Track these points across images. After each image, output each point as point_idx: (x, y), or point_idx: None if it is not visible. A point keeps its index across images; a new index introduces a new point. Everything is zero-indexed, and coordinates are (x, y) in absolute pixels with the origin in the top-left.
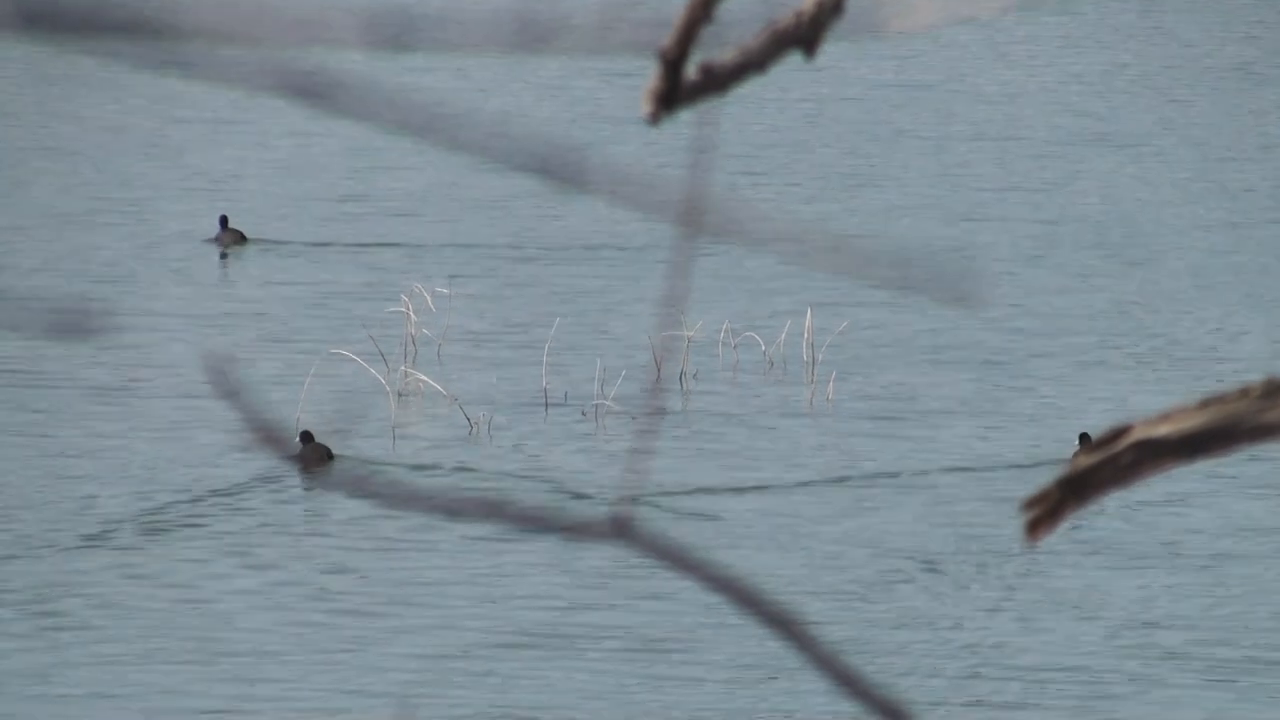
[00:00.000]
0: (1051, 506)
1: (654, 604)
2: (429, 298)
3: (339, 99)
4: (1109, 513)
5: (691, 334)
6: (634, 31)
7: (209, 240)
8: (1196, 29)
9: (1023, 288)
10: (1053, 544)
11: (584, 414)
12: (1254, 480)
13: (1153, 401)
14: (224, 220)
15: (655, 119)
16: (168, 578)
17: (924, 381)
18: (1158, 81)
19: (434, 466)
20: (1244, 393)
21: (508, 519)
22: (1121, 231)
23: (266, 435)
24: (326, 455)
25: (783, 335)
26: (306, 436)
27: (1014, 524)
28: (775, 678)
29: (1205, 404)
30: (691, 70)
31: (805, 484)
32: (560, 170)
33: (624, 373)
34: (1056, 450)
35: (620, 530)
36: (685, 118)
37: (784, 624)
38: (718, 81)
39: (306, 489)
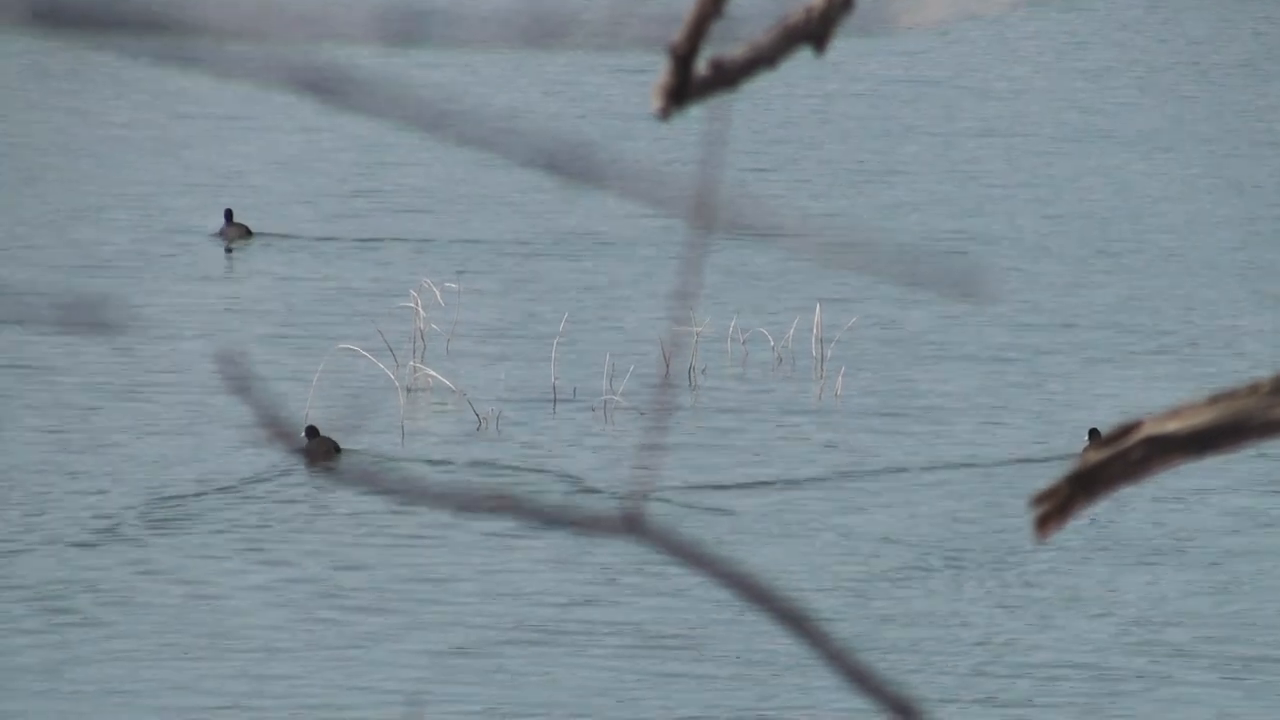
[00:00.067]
0: (1061, 502)
1: (664, 600)
2: (438, 293)
3: (349, 94)
4: (1119, 509)
5: (700, 329)
6: (644, 27)
7: (213, 235)
8: (1204, 25)
9: (1031, 283)
10: (1062, 540)
11: (593, 409)
12: (1264, 476)
13: (1162, 397)
14: (229, 214)
15: (665, 114)
16: (176, 573)
17: (933, 377)
18: (1165, 77)
19: (443, 462)
20: (1254, 389)
21: (517, 514)
22: (1129, 227)
23: (273, 430)
24: (333, 450)
25: (791, 331)
26: (312, 431)
27: (1024, 520)
28: (786, 674)
29: (1215, 400)
30: (702, 65)
31: (814, 479)
32: (569, 165)
33: (633, 368)
34: (1066, 446)
35: (630, 525)
36: (695, 113)
37: (794, 620)
38: (728, 77)
39: (313, 484)
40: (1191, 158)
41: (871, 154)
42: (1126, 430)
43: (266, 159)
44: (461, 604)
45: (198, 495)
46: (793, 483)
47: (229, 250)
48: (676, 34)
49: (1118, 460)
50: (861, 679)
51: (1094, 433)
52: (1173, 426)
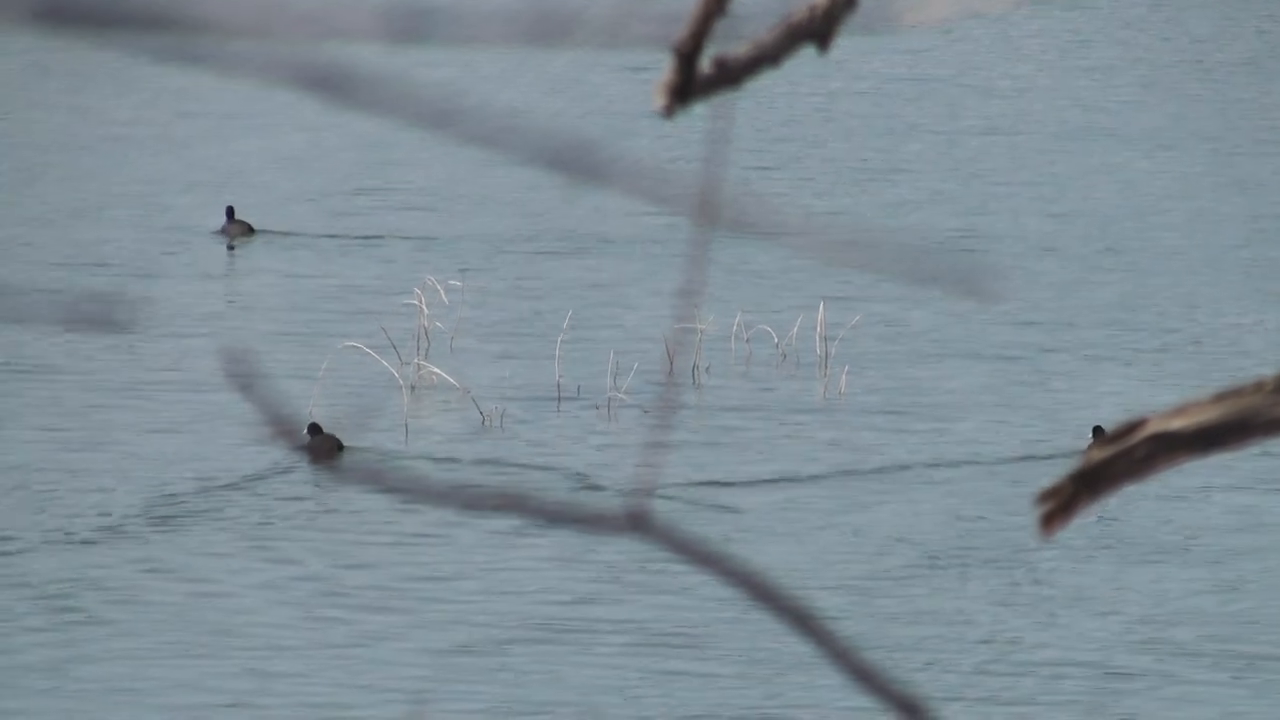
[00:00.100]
0: (1065, 500)
1: (668, 598)
2: (442, 290)
3: (352, 92)
4: (1124, 507)
5: (704, 327)
6: (648, 25)
7: (215, 232)
8: (1207, 23)
9: (1035, 281)
10: (1067, 538)
11: (597, 407)
12: (1268, 474)
13: (1166, 395)
14: (230, 211)
15: (669, 112)
16: (179, 571)
17: (936, 375)
18: (1168, 75)
19: (447, 460)
20: (1258, 386)
21: (521, 512)
22: (1133, 225)
23: (276, 427)
24: (336, 447)
25: (795, 329)
26: (315, 429)
27: (1028, 518)
28: (791, 672)
29: (1220, 398)
30: (705, 64)
31: (818, 477)
32: (573, 163)
33: (637, 366)
34: (1070, 444)
35: (635, 523)
36: (699, 111)
37: (799, 617)
38: (731, 75)
39: (316, 481)
40: (1195, 156)
41: (875, 152)
42: (1131, 428)
43: (269, 157)
44: (465, 602)
45: (201, 493)
46: (797, 480)
47: (230, 248)
48: (680, 32)
49: (1122, 458)
50: (867, 677)
51: (1098, 430)
52: (1177, 424)
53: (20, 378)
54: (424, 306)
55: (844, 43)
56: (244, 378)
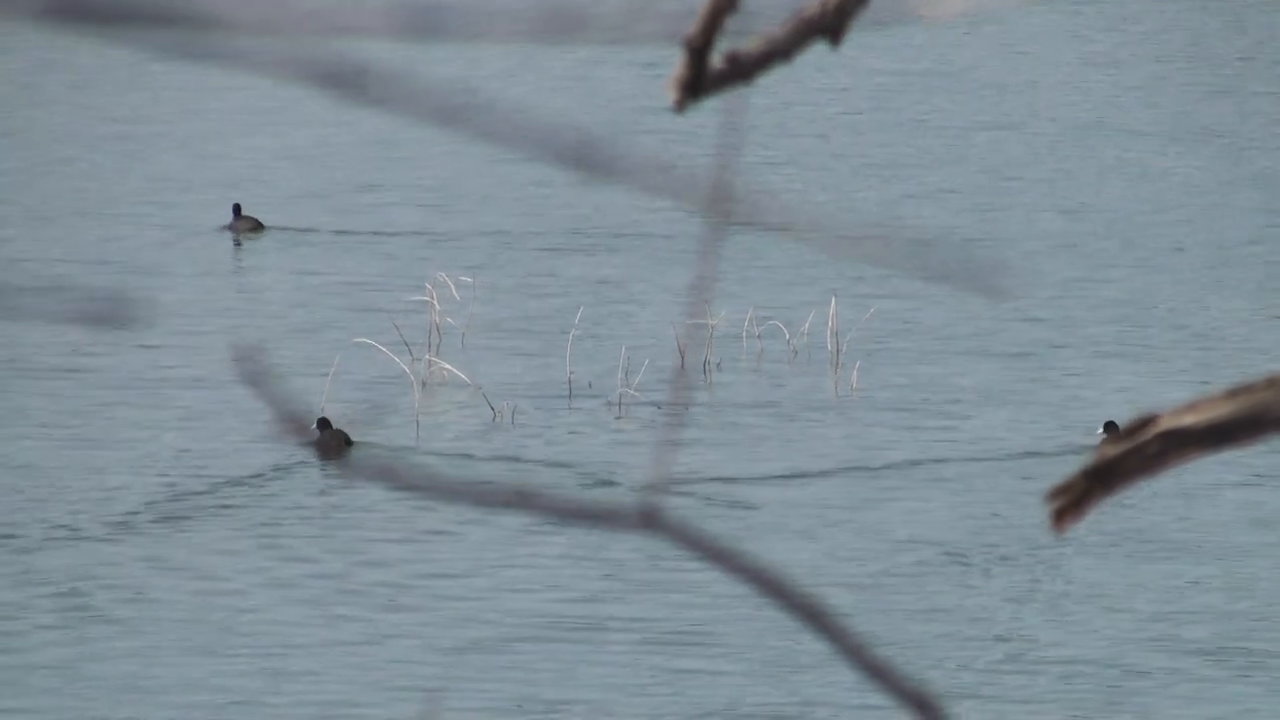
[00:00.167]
0: (1077, 496)
1: (681, 595)
2: (453, 286)
3: (362, 88)
4: (1135, 503)
5: (715, 323)
6: (659, 20)
7: (222, 228)
8: (1219, 17)
9: (1047, 278)
10: (1079, 535)
11: (609, 404)
12: None
13: (1178, 391)
14: (237, 208)
15: (681, 107)
16: (188, 568)
17: (948, 371)
18: (1181, 70)
19: (458, 455)
20: (1271, 382)
21: (533, 509)
22: (1145, 221)
23: (287, 423)
24: (344, 442)
25: (807, 324)
26: (324, 423)
27: (1040, 514)
28: (804, 669)
29: (1232, 394)
30: (717, 59)
31: (829, 474)
32: (584, 159)
33: (648, 362)
34: (1081, 440)
35: (647, 520)
36: (711, 106)
37: (812, 615)
38: (743, 70)
39: (325, 477)
40: (1207, 151)
41: (887, 147)
42: (1143, 424)
43: (279, 153)
44: (476, 599)
45: (210, 490)
46: (808, 477)
47: (238, 244)
48: (692, 27)
49: (1134, 454)
50: (880, 674)
51: (1110, 426)
52: (1190, 420)
53: (28, 375)
54: (435, 302)
55: (856, 37)
56: (254, 374)
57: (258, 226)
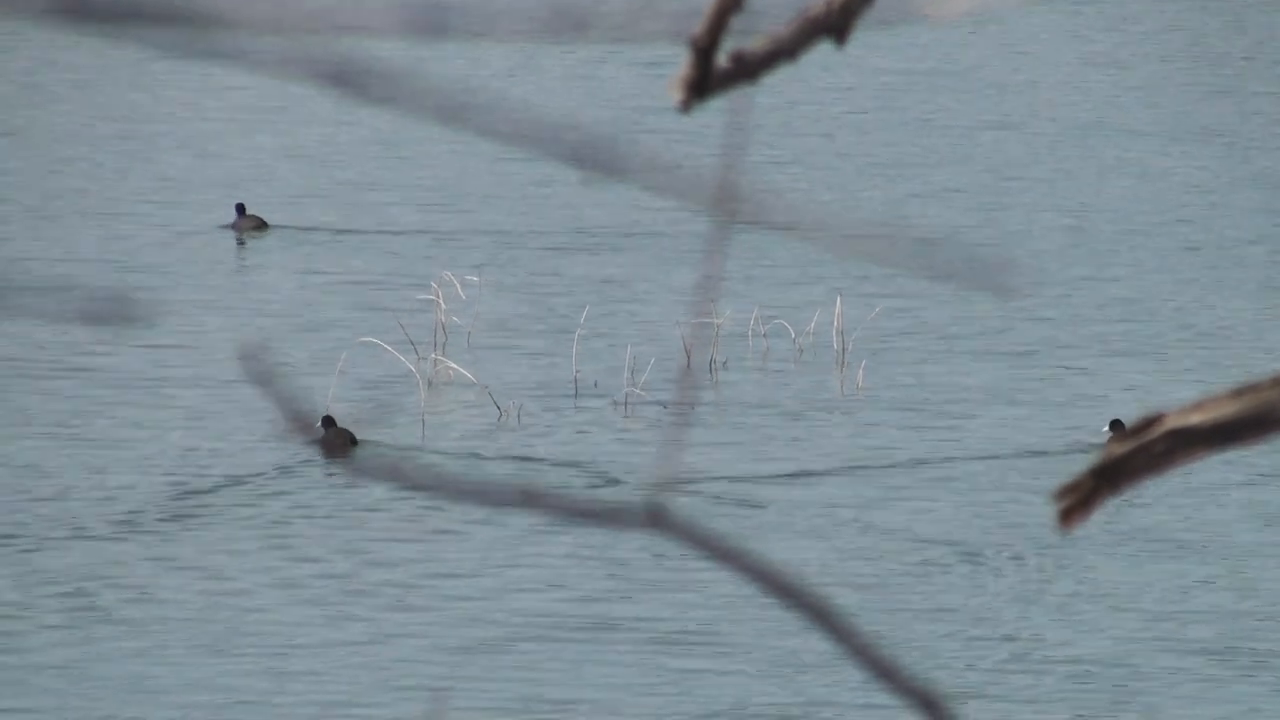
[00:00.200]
0: (1084, 495)
1: (687, 594)
2: (459, 285)
3: (368, 86)
4: (1142, 503)
5: (721, 322)
6: (664, 19)
7: (225, 227)
8: (1222, 16)
9: (1052, 276)
10: (1086, 533)
11: (614, 403)
12: None
13: (1184, 390)
14: (240, 207)
15: (686, 107)
16: (195, 567)
17: (954, 370)
18: (1185, 68)
19: (464, 454)
20: (1277, 381)
21: (539, 508)
22: (1150, 220)
23: (292, 422)
24: (349, 441)
25: (813, 323)
26: (329, 422)
27: (1047, 513)
28: (810, 669)
29: (1238, 392)
30: (723, 58)
31: (835, 473)
32: (590, 158)
33: (654, 361)
34: (1088, 439)
35: (653, 519)
36: (716, 106)
37: (818, 614)
38: (749, 69)
39: (331, 476)
40: (1211, 150)
41: (892, 147)
42: (1150, 423)
43: (282, 152)
44: (482, 598)
45: (215, 489)
46: (814, 476)
47: (242, 243)
48: (697, 26)
49: (1141, 453)
50: (886, 673)
51: (1117, 424)
52: (1196, 419)
53: (33, 375)
54: (441, 301)
55: (861, 37)
56: (259, 373)
57: (261, 225)
